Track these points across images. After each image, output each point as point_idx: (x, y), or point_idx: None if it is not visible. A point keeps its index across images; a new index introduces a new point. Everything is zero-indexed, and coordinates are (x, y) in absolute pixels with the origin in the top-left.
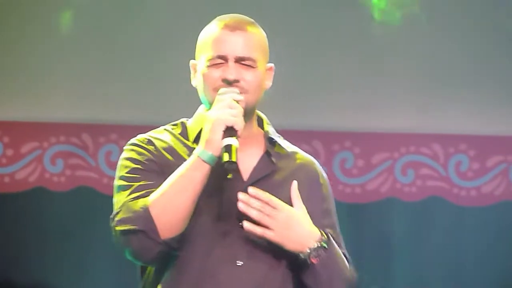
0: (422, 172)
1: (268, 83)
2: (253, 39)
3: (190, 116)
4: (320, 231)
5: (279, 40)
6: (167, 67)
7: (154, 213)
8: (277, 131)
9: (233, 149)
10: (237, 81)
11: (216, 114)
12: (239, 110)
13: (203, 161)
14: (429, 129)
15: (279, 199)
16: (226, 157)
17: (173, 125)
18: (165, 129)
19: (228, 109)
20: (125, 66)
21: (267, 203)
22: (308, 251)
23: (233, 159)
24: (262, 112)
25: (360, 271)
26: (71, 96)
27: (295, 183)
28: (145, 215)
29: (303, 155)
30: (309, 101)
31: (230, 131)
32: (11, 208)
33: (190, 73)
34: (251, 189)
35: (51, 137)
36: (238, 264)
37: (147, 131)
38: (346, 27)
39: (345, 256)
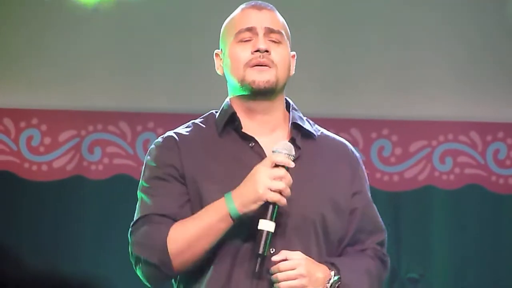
0: (460, 160)
1: (292, 70)
2: (279, 19)
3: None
4: (328, 267)
5: (316, 27)
6: (203, 54)
7: (171, 251)
8: (316, 119)
9: (268, 238)
10: (268, 52)
11: (265, 182)
12: (288, 182)
13: (230, 215)
14: (467, 117)
15: (306, 182)
16: (259, 248)
17: (202, 118)
18: (193, 123)
19: (277, 182)
20: (161, 53)
21: (289, 268)
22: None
23: (265, 253)
24: (304, 99)
25: (398, 259)
26: (109, 84)
27: (275, 257)
28: (162, 250)
29: (333, 138)
30: (347, 89)
31: (270, 205)
32: (49, 197)
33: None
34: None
35: (89, 125)
36: (271, 251)
37: (184, 119)
38: (384, 14)
39: (381, 246)
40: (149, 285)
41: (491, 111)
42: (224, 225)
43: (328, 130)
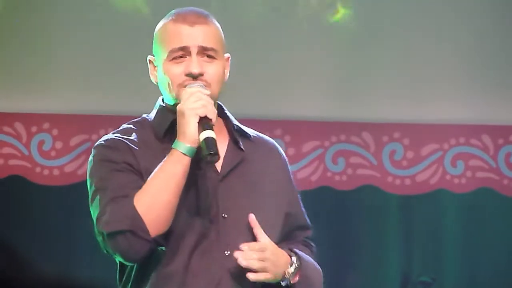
0: (472, 164)
1: (226, 76)
2: (212, 31)
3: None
4: (288, 253)
5: (328, 32)
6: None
7: (141, 211)
8: (327, 123)
9: (213, 141)
10: (201, 74)
11: (188, 106)
12: (209, 100)
13: (182, 154)
14: (478, 120)
15: (253, 184)
16: (207, 150)
17: (134, 122)
18: (127, 128)
19: (198, 101)
20: None
21: (258, 250)
22: (288, 276)
23: (215, 151)
24: (315, 102)
25: (410, 262)
26: (120, 89)
27: (252, 216)
28: (132, 214)
29: (266, 139)
30: (358, 93)
31: (204, 121)
32: (60, 201)
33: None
34: (243, 246)
35: (100, 129)
36: (226, 254)
37: None
38: (394, 17)
39: (310, 245)
40: (132, 262)
41: (503, 114)
42: (180, 166)
43: (258, 131)
